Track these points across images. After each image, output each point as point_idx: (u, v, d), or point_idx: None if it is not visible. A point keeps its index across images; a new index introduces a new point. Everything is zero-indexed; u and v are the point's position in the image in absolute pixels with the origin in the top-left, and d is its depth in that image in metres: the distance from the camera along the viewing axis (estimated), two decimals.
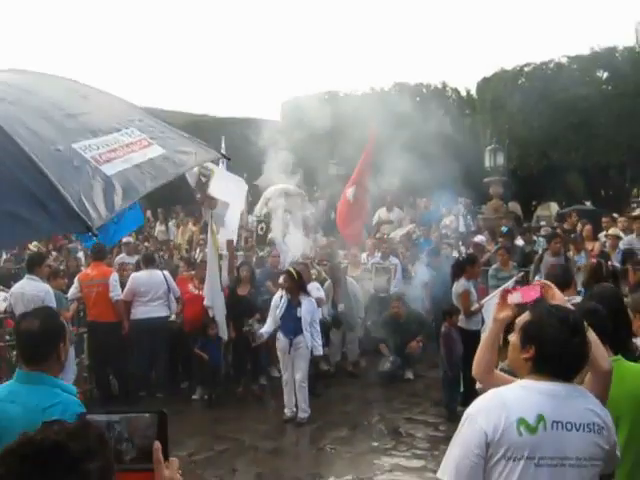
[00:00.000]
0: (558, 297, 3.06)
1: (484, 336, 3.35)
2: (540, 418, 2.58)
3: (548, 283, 3.13)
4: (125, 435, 1.89)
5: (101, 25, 76.75)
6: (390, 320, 10.53)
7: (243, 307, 9.81)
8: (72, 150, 2.84)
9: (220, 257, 10.46)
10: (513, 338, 2.84)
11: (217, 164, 10.06)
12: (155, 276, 9.80)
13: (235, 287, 9.93)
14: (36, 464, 1.50)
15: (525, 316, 2.84)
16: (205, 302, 9.43)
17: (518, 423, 2.56)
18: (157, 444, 1.90)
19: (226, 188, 9.74)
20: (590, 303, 3.89)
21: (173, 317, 10.01)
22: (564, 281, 5.93)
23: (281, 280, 8.90)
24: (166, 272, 10.10)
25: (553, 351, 2.69)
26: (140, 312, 9.61)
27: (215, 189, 9.40)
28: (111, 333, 9.43)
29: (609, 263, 9.28)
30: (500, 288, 3.32)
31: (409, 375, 10.28)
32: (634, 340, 4.40)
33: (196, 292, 9.87)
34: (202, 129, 20.80)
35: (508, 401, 2.63)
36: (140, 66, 64.07)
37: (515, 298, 3.18)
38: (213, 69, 79.10)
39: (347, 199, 12.59)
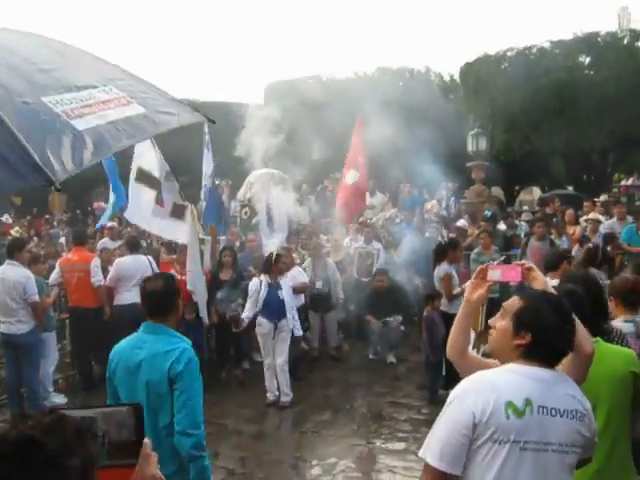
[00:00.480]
0: (539, 279, 3.04)
1: (456, 317, 3.31)
2: (528, 402, 2.59)
3: (530, 264, 3.10)
4: (102, 430, 1.84)
5: (80, 5, 76.03)
6: (374, 294, 10.57)
7: (225, 292, 9.81)
8: (41, 103, 2.77)
9: (202, 242, 10.44)
10: (503, 323, 2.80)
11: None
12: (140, 261, 9.74)
13: (217, 272, 9.91)
14: (12, 462, 1.44)
15: (516, 301, 2.81)
16: (188, 286, 9.40)
17: (506, 406, 2.56)
18: (146, 439, 1.87)
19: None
20: (568, 285, 3.92)
21: None
22: (553, 265, 5.99)
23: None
24: (150, 257, 10.05)
25: (549, 338, 2.70)
26: (125, 298, 9.55)
27: None
28: (93, 319, 9.38)
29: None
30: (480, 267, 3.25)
31: (391, 359, 10.31)
32: (613, 323, 4.47)
33: (179, 277, 9.82)
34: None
35: (497, 384, 2.62)
36: (119, 48, 63.47)
37: (495, 275, 3.14)
38: (195, 52, 78.61)
39: (346, 183, 12.58)
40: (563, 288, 3.79)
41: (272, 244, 10.06)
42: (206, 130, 11.50)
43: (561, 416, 2.62)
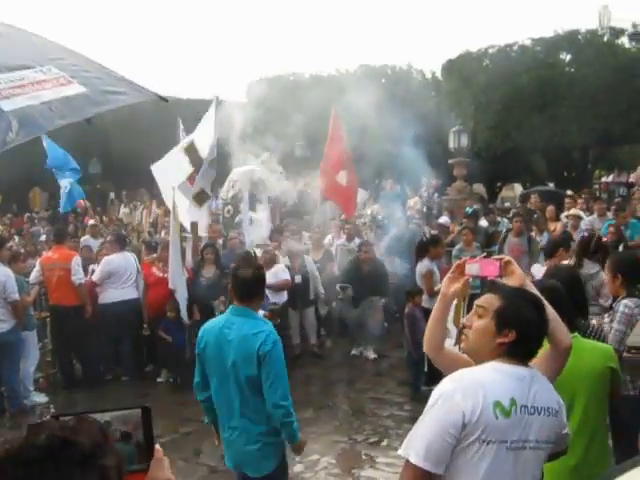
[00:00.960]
0: (517, 274, 3.01)
1: (433, 311, 3.28)
2: (513, 402, 2.58)
3: (508, 258, 3.08)
4: (119, 433, 1.78)
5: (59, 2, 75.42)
6: (357, 265, 10.61)
7: (208, 289, 9.79)
8: None
9: (184, 239, 10.42)
10: (482, 322, 2.77)
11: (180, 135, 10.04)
12: (128, 258, 9.74)
13: (199, 269, 9.88)
14: (45, 465, 1.37)
15: (494, 300, 2.80)
16: (170, 284, 9.38)
17: (494, 406, 2.54)
18: (157, 445, 1.83)
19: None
20: (549, 281, 3.95)
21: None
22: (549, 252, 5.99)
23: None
24: (133, 254, 10.03)
25: (532, 334, 2.72)
26: (111, 295, 9.51)
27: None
28: (74, 317, 9.32)
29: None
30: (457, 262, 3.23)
31: (371, 355, 10.32)
32: (623, 302, 4.66)
33: (161, 275, 9.80)
34: (165, 109, 20.58)
35: (484, 383, 2.59)
36: (100, 44, 63.07)
37: (473, 269, 3.09)
38: (177, 49, 78.21)
39: (340, 184, 12.53)
40: (543, 284, 3.83)
41: (253, 240, 10.09)
42: (181, 127, 11.53)
43: (539, 414, 2.63)
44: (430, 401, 2.62)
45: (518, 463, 2.60)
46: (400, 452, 2.62)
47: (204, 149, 9.71)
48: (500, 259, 3.05)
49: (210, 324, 4.53)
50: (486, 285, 9.15)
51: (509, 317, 2.72)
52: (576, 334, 3.66)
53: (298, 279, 10.55)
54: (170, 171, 10.05)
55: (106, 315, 9.49)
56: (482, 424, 2.51)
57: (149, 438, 1.80)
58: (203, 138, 9.90)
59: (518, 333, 2.69)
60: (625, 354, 2.50)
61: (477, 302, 2.86)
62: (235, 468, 4.52)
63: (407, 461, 2.58)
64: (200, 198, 9.90)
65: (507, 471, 2.59)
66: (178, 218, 9.46)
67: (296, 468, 6.72)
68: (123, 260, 9.68)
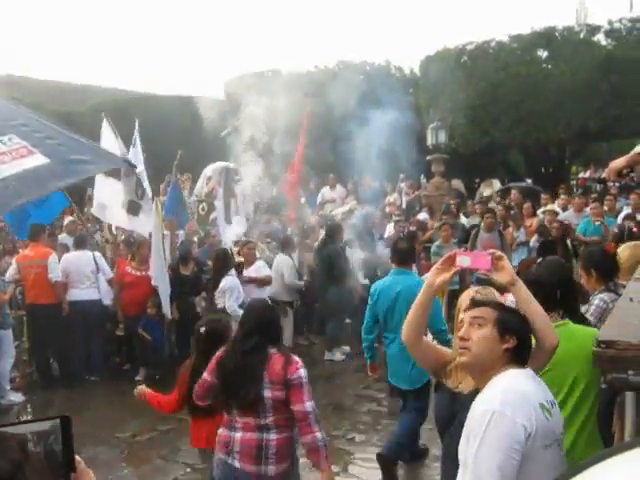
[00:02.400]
0: (508, 269, 3.02)
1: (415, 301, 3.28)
2: (549, 401, 2.65)
3: (500, 253, 3.08)
4: (38, 447, 1.63)
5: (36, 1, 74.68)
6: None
7: (187, 287, 9.78)
8: None
9: (163, 237, 10.38)
10: (484, 331, 2.79)
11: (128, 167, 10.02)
12: (84, 257, 9.61)
13: (178, 267, 9.86)
14: None
15: (488, 311, 2.85)
16: (152, 282, 9.37)
17: (542, 409, 2.57)
18: (78, 457, 1.69)
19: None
20: (534, 274, 4.06)
21: (108, 301, 9.84)
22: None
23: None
24: (97, 253, 9.87)
25: (529, 339, 2.83)
26: (72, 294, 9.46)
27: None
28: (51, 315, 9.24)
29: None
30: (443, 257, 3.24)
31: (332, 357, 10.32)
32: (600, 296, 4.76)
33: (138, 274, 9.70)
34: (142, 107, 20.49)
35: (525, 390, 2.61)
36: (79, 43, 62.61)
37: (465, 261, 3.08)
38: (155, 47, 77.83)
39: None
40: (529, 276, 3.90)
41: (229, 237, 10.07)
42: (136, 127, 11.54)
43: (555, 407, 2.71)
44: (477, 425, 2.55)
45: (562, 457, 2.68)
46: None
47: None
48: (492, 253, 3.05)
49: (379, 283, 6.51)
50: (463, 280, 9.27)
51: (509, 324, 2.79)
52: (567, 321, 3.78)
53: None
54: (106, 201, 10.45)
55: (71, 312, 9.43)
56: (541, 431, 2.52)
57: (69, 451, 1.66)
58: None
59: (518, 339, 2.77)
60: (594, 348, 2.52)
61: (471, 314, 2.88)
62: (395, 383, 6.48)
63: None
64: (132, 209, 10.00)
65: (560, 467, 2.62)
66: (160, 213, 9.47)
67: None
68: (77, 259, 9.59)
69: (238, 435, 4.17)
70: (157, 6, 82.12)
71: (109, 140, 10.87)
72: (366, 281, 10.34)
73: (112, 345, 10.19)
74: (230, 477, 4.22)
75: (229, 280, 8.81)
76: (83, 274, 9.50)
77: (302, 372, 4.10)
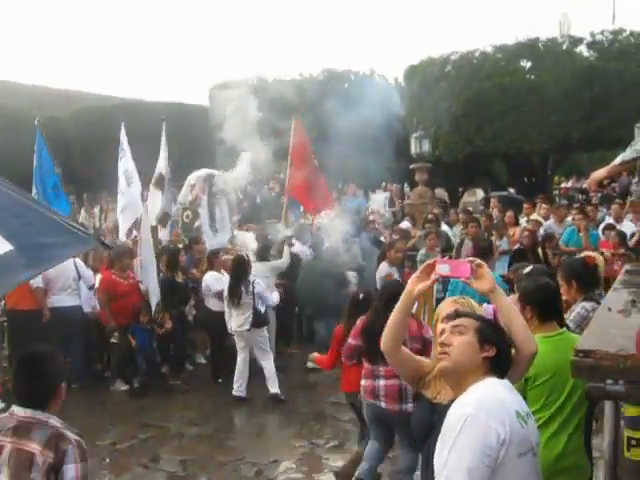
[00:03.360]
0: (487, 277, 3.03)
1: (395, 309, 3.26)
2: (525, 412, 2.66)
3: (479, 261, 3.09)
4: None
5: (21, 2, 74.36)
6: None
7: (179, 294, 9.78)
8: None
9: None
10: (465, 338, 2.81)
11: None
12: (66, 264, 9.46)
13: (173, 275, 9.75)
14: None
15: (470, 321, 2.88)
16: (142, 287, 9.36)
17: (517, 416, 2.57)
18: None
19: None
20: (543, 279, 4.16)
21: (89, 309, 9.75)
22: None
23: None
24: (77, 260, 9.73)
25: (508, 351, 2.86)
26: (53, 301, 9.37)
27: None
28: (31, 321, 9.12)
29: None
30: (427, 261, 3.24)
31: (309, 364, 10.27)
32: (581, 305, 4.89)
33: (128, 282, 9.58)
34: (127, 112, 20.46)
35: (502, 397, 2.62)
36: (62, 48, 62.39)
37: (444, 269, 3.06)
38: (141, 53, 77.68)
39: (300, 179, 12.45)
40: (538, 282, 4.04)
41: (216, 245, 10.04)
42: (123, 131, 11.62)
43: (530, 418, 2.71)
44: (451, 428, 2.55)
45: (537, 466, 2.68)
46: None
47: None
48: (471, 261, 3.06)
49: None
50: (447, 289, 9.29)
51: (489, 334, 2.82)
52: (564, 329, 3.90)
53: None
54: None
55: (51, 319, 9.34)
56: (515, 438, 2.51)
57: None
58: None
59: (498, 350, 2.78)
60: (572, 357, 2.55)
61: (452, 323, 2.90)
62: None
63: None
64: (163, 220, 10.18)
65: (534, 475, 2.65)
66: (149, 222, 9.52)
67: (256, 472, 6.72)
68: (58, 266, 9.49)
69: (382, 382, 5.56)
70: (142, 13, 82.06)
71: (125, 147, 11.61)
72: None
73: (93, 352, 10.10)
74: (379, 415, 5.66)
75: (258, 284, 8.91)
76: (65, 280, 9.41)
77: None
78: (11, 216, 2.42)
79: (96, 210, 20.05)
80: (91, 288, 9.75)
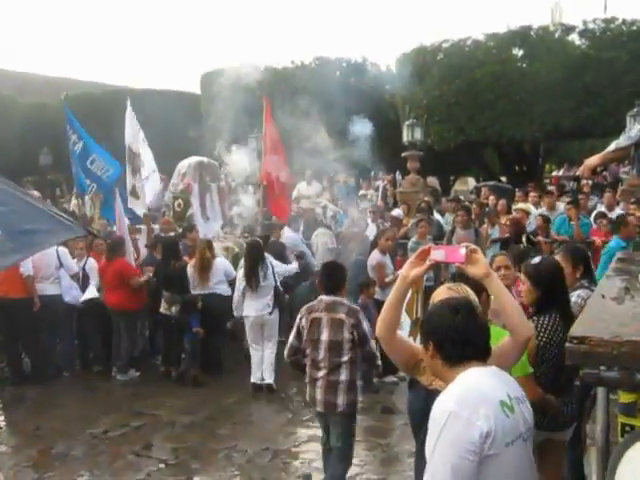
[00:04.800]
0: (481, 262, 3.04)
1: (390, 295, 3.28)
2: (509, 396, 2.61)
3: (473, 246, 3.10)
4: None
5: None
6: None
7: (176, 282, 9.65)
8: None
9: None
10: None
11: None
12: (49, 252, 9.39)
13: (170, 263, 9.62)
14: None
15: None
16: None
17: (501, 406, 2.55)
18: None
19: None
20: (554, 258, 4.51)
21: (70, 298, 9.62)
22: None
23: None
24: (61, 248, 9.54)
25: (451, 338, 2.73)
26: (38, 289, 9.33)
27: None
28: (22, 309, 9.09)
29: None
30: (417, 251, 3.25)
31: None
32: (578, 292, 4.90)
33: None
34: (119, 100, 20.34)
35: (481, 388, 2.59)
36: (57, 35, 61.93)
37: (438, 255, 3.07)
38: (132, 40, 77.20)
39: (281, 182, 12.28)
40: (550, 261, 4.25)
41: (207, 233, 10.00)
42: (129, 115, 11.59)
43: (522, 403, 2.69)
44: (434, 425, 2.55)
45: (528, 451, 2.66)
46: None
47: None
48: (466, 246, 3.05)
49: None
50: (439, 278, 9.30)
51: (425, 330, 2.80)
52: None
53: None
54: None
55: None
56: (500, 429, 2.50)
57: None
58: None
59: (435, 341, 2.73)
60: (567, 344, 2.54)
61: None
62: None
63: None
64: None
65: (526, 462, 2.64)
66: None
67: (248, 460, 6.72)
68: (39, 255, 9.41)
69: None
70: (134, 0, 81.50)
71: (132, 126, 11.67)
72: None
73: (87, 341, 10.04)
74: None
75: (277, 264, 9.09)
76: (47, 269, 9.38)
77: None
78: None
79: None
80: (74, 277, 9.69)
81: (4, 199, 2.55)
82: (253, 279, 8.60)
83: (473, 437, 2.45)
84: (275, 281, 8.77)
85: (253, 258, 8.71)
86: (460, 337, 2.68)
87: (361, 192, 17.94)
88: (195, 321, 9.20)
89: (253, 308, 8.69)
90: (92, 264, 9.89)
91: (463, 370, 2.66)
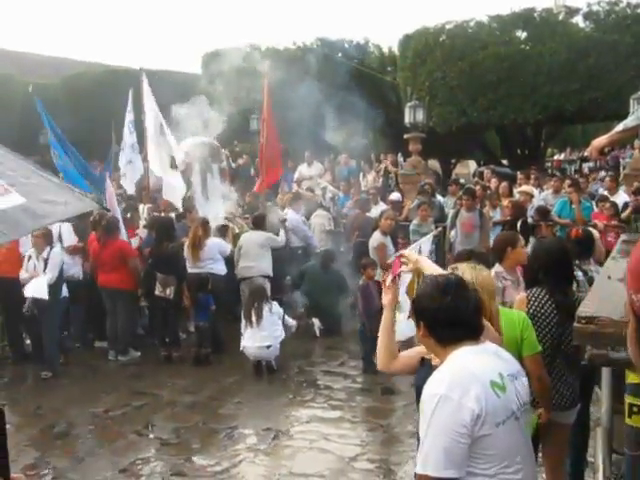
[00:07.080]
0: (412, 258, 3.37)
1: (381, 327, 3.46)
2: (501, 375, 2.61)
3: (402, 252, 3.44)
4: None
5: None
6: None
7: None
8: None
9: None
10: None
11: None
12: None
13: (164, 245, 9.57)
14: None
15: None
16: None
17: (492, 387, 2.54)
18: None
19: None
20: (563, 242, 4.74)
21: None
22: None
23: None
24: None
25: (441, 318, 2.75)
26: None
27: None
28: (22, 289, 9.07)
29: None
30: (416, 243, 3.45)
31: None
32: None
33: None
34: (120, 80, 20.29)
35: (473, 370, 2.58)
36: (54, 15, 61.52)
37: (389, 280, 3.42)
38: (133, 20, 76.73)
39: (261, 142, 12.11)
40: (559, 244, 4.45)
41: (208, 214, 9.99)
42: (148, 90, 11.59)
43: (516, 379, 2.68)
44: (426, 408, 2.55)
45: (522, 428, 2.66)
46: (418, 471, 2.55)
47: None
48: (398, 256, 3.47)
49: None
50: (440, 259, 9.28)
51: (415, 311, 2.81)
52: None
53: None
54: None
55: None
56: (491, 409, 2.50)
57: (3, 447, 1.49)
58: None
59: (425, 322, 2.75)
60: (575, 324, 2.52)
61: None
62: None
63: (426, 477, 2.52)
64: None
65: (519, 439, 2.63)
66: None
67: (249, 440, 6.74)
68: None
69: None
70: None
71: (149, 99, 11.78)
72: None
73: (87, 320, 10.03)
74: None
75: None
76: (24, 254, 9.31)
77: None
78: (21, 177, 2.64)
79: None
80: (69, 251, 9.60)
81: (26, 173, 2.73)
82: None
83: (464, 420, 2.46)
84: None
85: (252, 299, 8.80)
86: (450, 319, 2.68)
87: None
88: (210, 299, 9.29)
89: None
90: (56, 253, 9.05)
91: (455, 349, 2.66)
